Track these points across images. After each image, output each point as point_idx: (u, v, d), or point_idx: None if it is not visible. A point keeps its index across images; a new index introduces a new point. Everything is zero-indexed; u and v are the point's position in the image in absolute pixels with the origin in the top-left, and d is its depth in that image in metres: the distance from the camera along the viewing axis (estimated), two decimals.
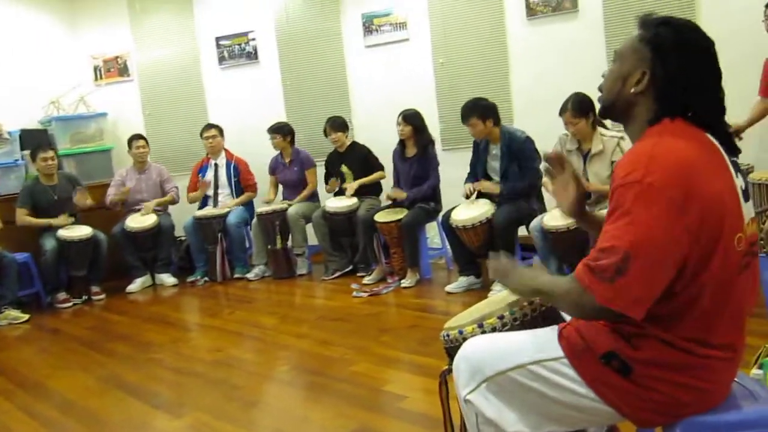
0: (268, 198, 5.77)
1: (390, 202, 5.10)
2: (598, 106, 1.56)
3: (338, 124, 5.40)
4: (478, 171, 4.55)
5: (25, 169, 5.77)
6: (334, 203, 5.29)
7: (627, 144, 3.84)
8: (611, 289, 1.27)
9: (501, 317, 1.62)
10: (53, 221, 5.33)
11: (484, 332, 1.62)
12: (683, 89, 1.38)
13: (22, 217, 5.30)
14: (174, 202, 5.96)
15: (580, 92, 3.91)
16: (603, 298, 1.28)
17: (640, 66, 1.41)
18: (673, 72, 1.37)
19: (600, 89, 1.52)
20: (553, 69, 5.08)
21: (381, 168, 5.33)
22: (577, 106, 3.88)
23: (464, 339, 1.61)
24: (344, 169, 5.43)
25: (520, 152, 4.31)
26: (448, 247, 4.78)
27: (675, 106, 1.39)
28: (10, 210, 5.40)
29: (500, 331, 1.62)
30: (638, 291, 1.27)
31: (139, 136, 5.91)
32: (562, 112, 3.95)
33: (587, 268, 1.31)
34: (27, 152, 5.68)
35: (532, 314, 1.63)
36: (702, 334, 1.35)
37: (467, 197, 4.47)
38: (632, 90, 1.42)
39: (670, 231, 1.26)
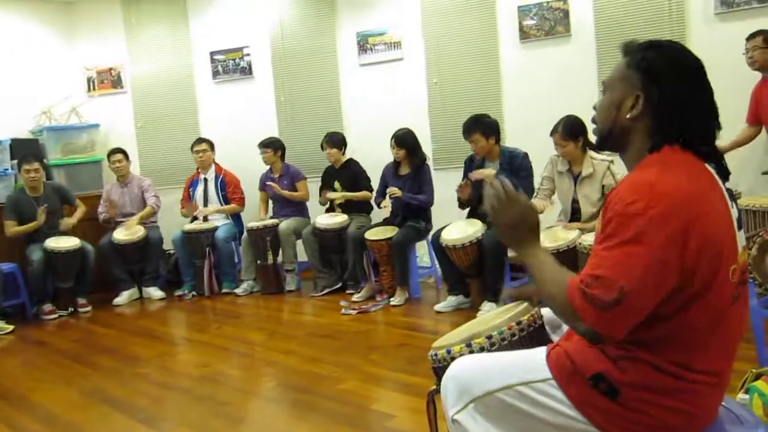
0: (258, 217, 5.76)
1: (381, 219, 5.10)
2: (592, 136, 1.55)
3: (335, 141, 5.43)
4: (474, 188, 4.54)
5: (15, 179, 5.73)
6: (324, 220, 5.29)
7: (617, 168, 3.88)
8: (602, 317, 1.28)
9: (489, 337, 1.63)
10: (34, 224, 5.25)
11: (472, 352, 1.62)
12: (680, 109, 1.38)
13: (11, 229, 5.26)
14: (153, 213, 5.92)
15: (572, 115, 3.96)
16: (593, 324, 1.30)
17: (632, 91, 1.41)
18: (668, 93, 1.38)
19: (594, 121, 1.52)
20: (545, 91, 5.13)
21: (369, 189, 5.34)
22: (568, 129, 3.92)
23: (452, 358, 1.61)
24: (336, 185, 5.45)
25: (519, 167, 4.34)
26: (438, 266, 4.78)
27: (673, 127, 1.39)
28: (0, 219, 5.37)
29: (488, 350, 1.62)
30: (628, 321, 1.30)
31: (116, 150, 5.89)
32: (552, 133, 4.00)
33: (581, 293, 1.31)
34: (16, 162, 5.65)
35: (520, 334, 1.64)
36: (690, 360, 1.35)
37: (461, 195, 4.47)
38: (628, 115, 1.42)
39: (666, 265, 1.27)
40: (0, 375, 3.88)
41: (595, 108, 1.53)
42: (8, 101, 6.06)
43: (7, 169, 5.72)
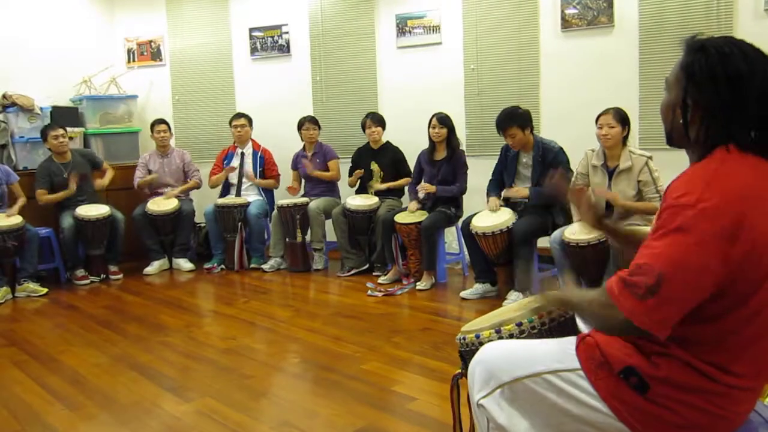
0: (293, 185, 5.77)
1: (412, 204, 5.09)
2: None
3: (378, 119, 5.42)
4: (505, 179, 4.53)
5: None
6: (355, 201, 5.30)
7: (655, 165, 3.81)
8: (640, 305, 1.27)
9: (519, 324, 1.62)
10: (64, 192, 5.35)
11: (501, 338, 1.62)
12: (724, 116, 1.33)
13: (42, 197, 5.36)
14: (197, 187, 6.01)
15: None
16: (629, 313, 1.28)
17: (682, 94, 1.38)
18: (711, 100, 1.34)
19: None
20: (584, 82, 5.05)
21: (409, 175, 5.32)
22: (619, 113, 3.91)
23: (480, 343, 1.61)
24: (374, 166, 5.44)
25: (554, 162, 4.28)
26: (466, 252, 4.77)
27: (720, 133, 1.34)
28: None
29: (517, 338, 1.61)
30: (665, 312, 1.27)
31: (160, 121, 5.96)
32: (602, 114, 3.95)
33: (620, 281, 1.31)
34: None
35: (551, 324, 1.63)
36: (727, 362, 1.33)
37: (492, 211, 4.45)
38: (680, 120, 1.39)
39: (709, 259, 1.24)
40: (33, 336, 3.99)
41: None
42: (50, 70, 6.16)
43: None
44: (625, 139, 3.92)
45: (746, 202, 1.26)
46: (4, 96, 5.70)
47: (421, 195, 4.88)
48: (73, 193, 5.37)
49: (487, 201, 4.54)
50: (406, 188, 5.29)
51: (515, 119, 4.31)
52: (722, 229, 1.24)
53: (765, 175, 1.32)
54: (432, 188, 4.81)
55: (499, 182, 4.58)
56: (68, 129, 5.58)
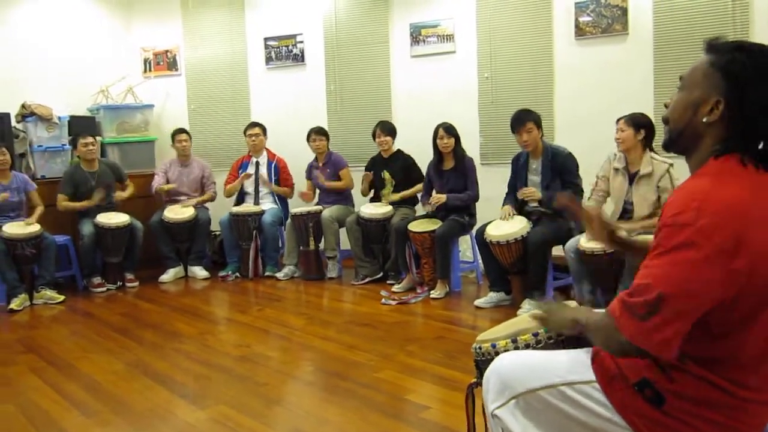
0: (307, 191, 5.79)
1: (425, 212, 5.09)
2: (663, 138, 1.46)
3: (388, 128, 5.43)
4: (518, 186, 4.52)
5: (71, 155, 5.91)
6: (369, 209, 5.31)
7: (677, 173, 3.79)
8: (641, 327, 1.25)
9: (536, 335, 1.61)
10: (86, 203, 5.42)
11: (517, 348, 1.61)
12: (762, 119, 1.30)
13: (62, 203, 5.43)
14: (212, 200, 6.06)
15: (644, 113, 3.98)
16: (631, 335, 1.26)
17: (714, 94, 1.32)
18: (753, 101, 1.29)
19: (665, 121, 1.44)
20: (598, 90, 5.04)
21: (421, 180, 5.32)
22: (633, 117, 3.93)
23: (496, 353, 1.61)
24: (386, 175, 5.44)
25: (563, 167, 4.28)
26: (480, 261, 4.76)
27: (749, 137, 1.31)
28: (54, 192, 5.55)
29: (534, 348, 1.61)
30: (667, 332, 1.24)
31: (182, 130, 6.02)
32: (619, 119, 3.98)
33: (621, 303, 1.30)
34: (73, 138, 5.85)
35: (568, 335, 1.62)
36: (742, 377, 1.31)
37: (502, 219, 4.45)
38: (704, 119, 1.34)
39: (709, 276, 1.22)
40: (50, 342, 4.03)
41: (667, 106, 1.44)
42: (68, 80, 6.25)
43: (64, 145, 5.90)
44: (644, 143, 3.92)
45: (743, 216, 1.23)
46: (23, 106, 5.78)
47: (430, 207, 4.88)
48: (94, 205, 5.43)
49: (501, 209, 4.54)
50: (419, 196, 5.29)
51: (531, 115, 4.34)
52: (721, 246, 1.21)
53: (762, 188, 1.29)
54: (442, 198, 4.80)
55: (513, 194, 4.57)
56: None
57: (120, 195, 5.68)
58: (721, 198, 1.24)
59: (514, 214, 4.45)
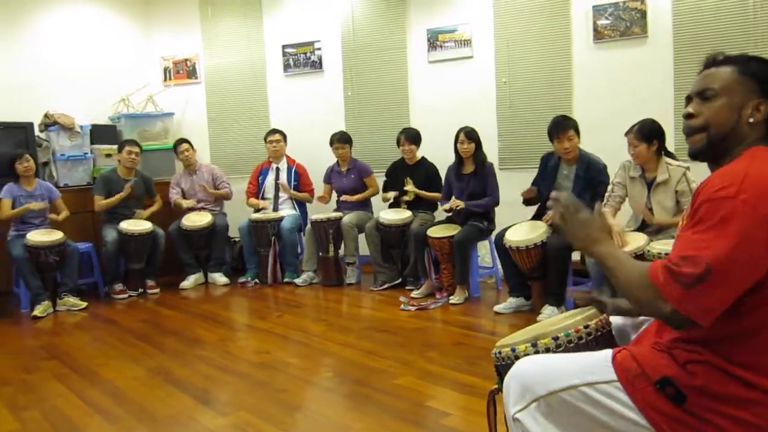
0: (323, 195, 5.82)
1: (444, 217, 5.08)
2: (693, 147, 1.53)
3: (412, 136, 5.41)
4: (542, 188, 4.50)
5: (93, 163, 5.99)
6: (388, 215, 5.31)
7: (693, 176, 3.75)
8: (686, 294, 1.30)
9: (555, 338, 1.60)
10: (119, 196, 5.54)
11: (537, 352, 1.60)
12: None
13: (99, 202, 5.55)
14: (227, 197, 6.09)
15: (651, 118, 3.88)
16: (676, 301, 1.31)
17: (753, 97, 1.46)
18: None
19: (701, 129, 1.50)
20: (617, 94, 5.01)
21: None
22: (642, 130, 3.84)
23: (516, 357, 1.60)
24: (408, 182, 5.44)
25: (598, 180, 4.23)
26: (499, 266, 4.74)
27: None
28: (77, 200, 5.65)
29: (554, 351, 1.60)
30: (711, 301, 1.30)
31: (182, 140, 6.09)
32: (627, 133, 3.92)
33: (666, 270, 1.33)
34: (96, 146, 5.95)
35: (587, 338, 1.61)
36: (762, 361, 1.33)
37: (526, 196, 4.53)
38: (750, 120, 1.45)
39: (755, 249, 1.28)
40: (73, 349, 4.07)
41: (691, 115, 1.52)
42: (90, 89, 6.36)
43: (86, 153, 5.98)
44: (658, 151, 3.87)
45: None
46: (46, 115, 5.88)
47: (448, 206, 4.86)
48: (126, 196, 5.54)
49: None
50: (439, 204, 5.28)
51: (571, 121, 4.34)
52: (765, 217, 1.27)
53: None
54: (461, 204, 4.79)
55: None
56: (105, 146, 5.74)
57: (140, 214, 5.73)
58: (760, 174, 1.32)
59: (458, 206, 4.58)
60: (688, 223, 1.37)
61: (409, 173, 5.45)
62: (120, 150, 5.66)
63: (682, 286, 1.30)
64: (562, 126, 4.29)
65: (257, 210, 5.96)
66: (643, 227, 4.01)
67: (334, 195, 5.92)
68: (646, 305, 1.39)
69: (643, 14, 4.88)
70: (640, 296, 1.39)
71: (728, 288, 1.30)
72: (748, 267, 1.29)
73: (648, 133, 3.82)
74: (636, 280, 1.40)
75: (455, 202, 4.83)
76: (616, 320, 1.75)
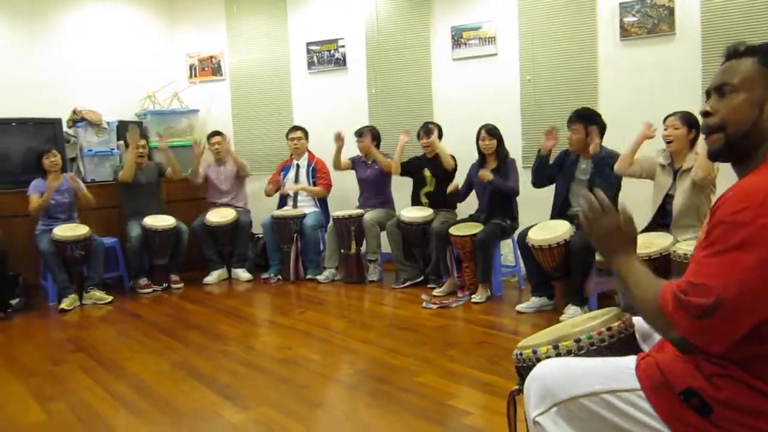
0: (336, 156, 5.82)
1: (467, 215, 5.07)
2: (713, 147, 1.43)
3: (430, 130, 5.41)
4: (558, 180, 4.54)
5: (119, 159, 6.07)
6: (409, 213, 5.31)
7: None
8: (696, 325, 1.25)
9: (578, 340, 1.59)
10: (131, 148, 5.65)
11: (559, 354, 1.59)
12: None
13: (121, 174, 5.64)
14: (246, 170, 6.12)
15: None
16: (683, 331, 1.27)
17: None
18: None
19: (718, 128, 1.40)
20: (643, 91, 4.94)
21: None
22: (685, 115, 3.89)
23: (537, 359, 1.59)
24: (426, 173, 5.44)
25: (610, 173, 4.24)
26: (522, 265, 4.71)
27: None
28: (103, 195, 5.72)
29: (576, 354, 1.58)
30: (721, 333, 1.24)
31: (215, 133, 6.15)
32: (668, 117, 3.95)
33: (675, 299, 1.28)
34: (122, 142, 6.02)
35: (610, 341, 1.59)
36: None
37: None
38: None
39: None
40: (99, 342, 4.13)
41: (708, 113, 1.42)
42: (116, 86, 6.44)
43: (113, 149, 6.06)
44: (692, 142, 3.88)
45: None
46: (74, 111, 5.97)
47: (483, 174, 4.82)
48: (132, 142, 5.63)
49: None
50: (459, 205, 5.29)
51: (597, 117, 4.40)
52: None
53: None
54: (490, 176, 4.75)
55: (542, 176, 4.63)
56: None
57: (163, 145, 5.90)
58: None
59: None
60: (702, 242, 1.30)
61: (428, 165, 5.46)
62: (209, 139, 5.96)
63: (691, 317, 1.25)
64: (571, 118, 4.40)
65: (280, 206, 5.99)
66: (659, 215, 3.98)
67: (356, 188, 5.94)
68: (658, 329, 1.37)
69: (671, 11, 4.81)
70: (651, 320, 1.37)
71: (740, 320, 1.23)
72: (763, 298, 1.21)
73: (690, 119, 3.87)
74: (649, 303, 1.36)
75: (485, 174, 4.79)
76: (638, 321, 1.71)
